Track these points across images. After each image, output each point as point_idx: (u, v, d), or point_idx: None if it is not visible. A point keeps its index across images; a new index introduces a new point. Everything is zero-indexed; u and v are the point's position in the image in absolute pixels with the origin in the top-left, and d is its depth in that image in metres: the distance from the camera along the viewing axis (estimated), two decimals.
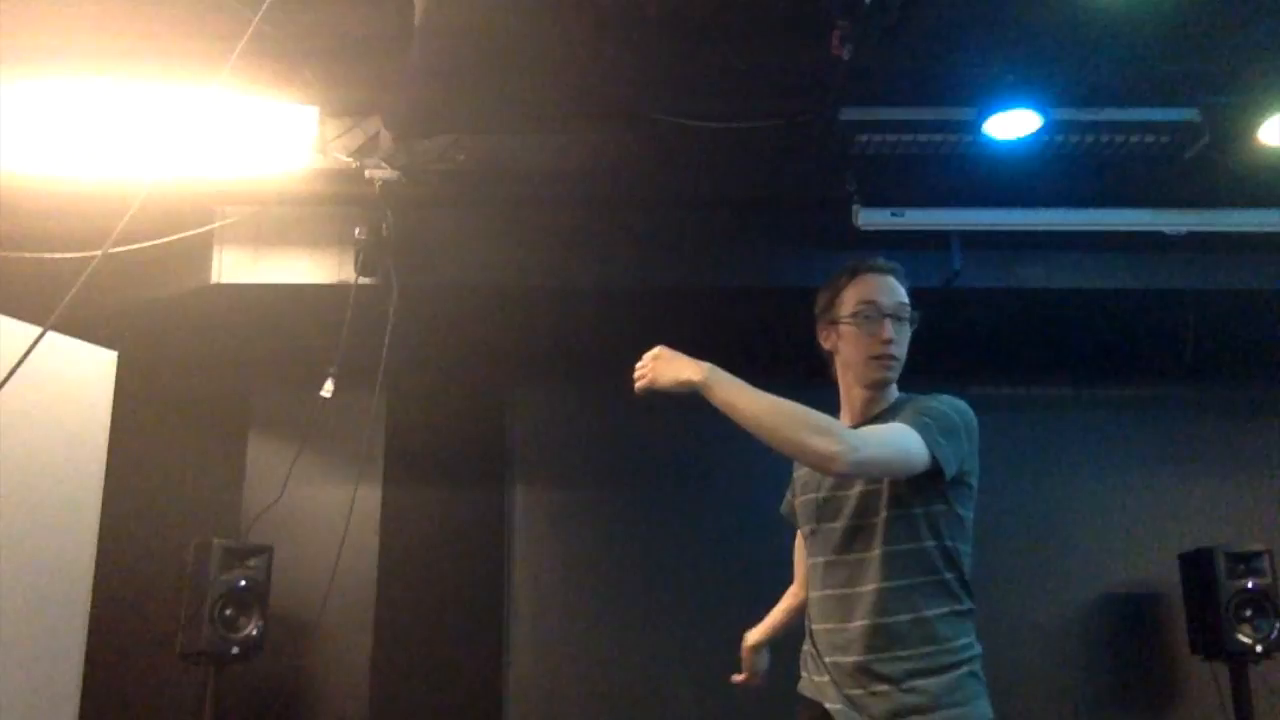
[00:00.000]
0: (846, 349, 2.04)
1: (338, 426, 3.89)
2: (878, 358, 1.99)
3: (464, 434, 4.26)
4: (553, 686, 4.09)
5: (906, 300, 2.03)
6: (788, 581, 2.38)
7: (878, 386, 2.02)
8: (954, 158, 3.25)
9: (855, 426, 1.96)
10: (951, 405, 2.00)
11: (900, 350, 2.01)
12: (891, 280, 2.04)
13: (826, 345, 2.09)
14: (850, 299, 2.03)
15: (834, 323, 2.06)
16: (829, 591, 1.97)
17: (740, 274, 3.62)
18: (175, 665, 3.60)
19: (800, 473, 2.13)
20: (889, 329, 1.99)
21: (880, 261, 2.06)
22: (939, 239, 3.54)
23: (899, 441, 1.83)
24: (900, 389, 2.07)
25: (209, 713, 3.49)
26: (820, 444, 1.73)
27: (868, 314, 2.00)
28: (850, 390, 2.06)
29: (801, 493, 2.09)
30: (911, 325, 2.05)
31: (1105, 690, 4.15)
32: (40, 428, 3.06)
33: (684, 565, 4.17)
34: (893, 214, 3.35)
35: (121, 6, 2.73)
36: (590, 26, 2.77)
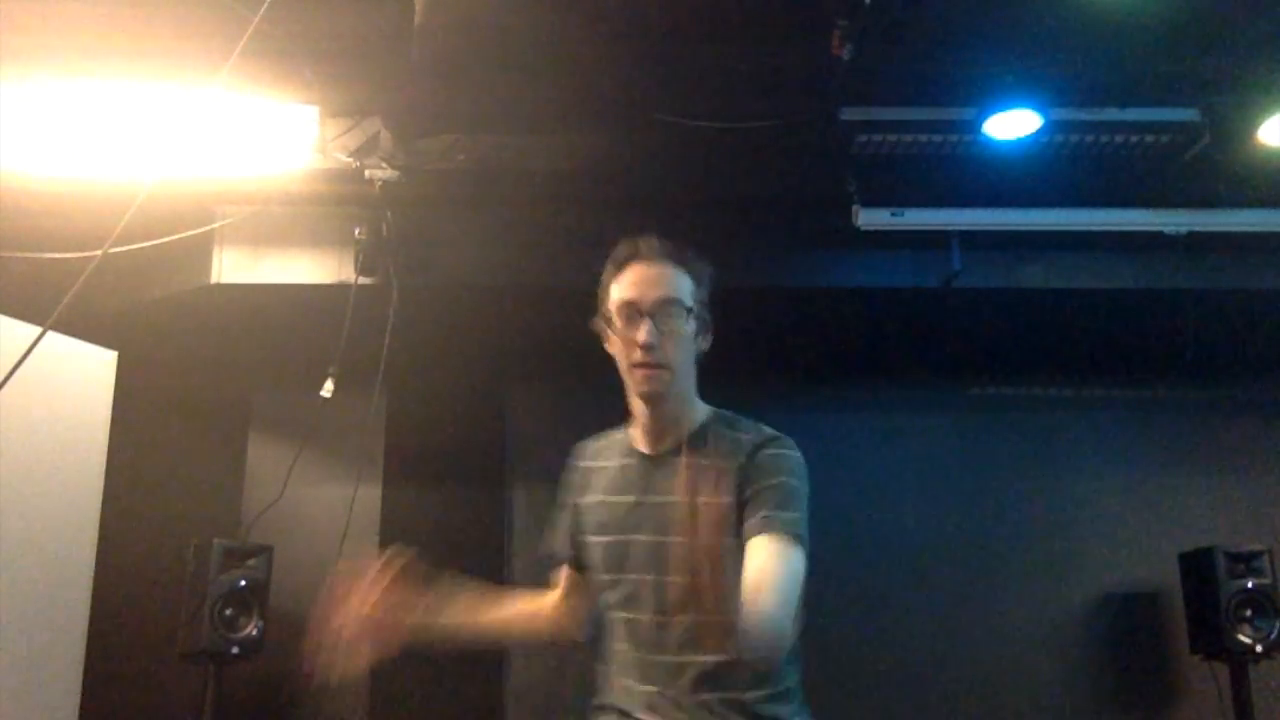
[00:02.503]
0: (616, 356, 1.72)
1: (338, 426, 3.89)
2: (639, 367, 1.66)
3: (464, 434, 4.25)
4: (553, 686, 4.09)
5: (679, 295, 1.68)
6: None
7: (648, 401, 1.69)
8: (954, 158, 3.25)
9: (654, 454, 1.72)
10: (799, 467, 1.68)
11: (668, 356, 1.66)
12: (659, 269, 1.69)
13: (609, 350, 1.75)
14: (613, 295, 1.71)
15: (607, 323, 1.72)
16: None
17: (740, 274, 3.62)
18: (175, 665, 3.60)
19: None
20: (648, 332, 1.64)
21: (645, 244, 1.72)
22: (939, 239, 3.55)
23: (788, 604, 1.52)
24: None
25: (209, 713, 3.49)
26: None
27: (627, 314, 1.67)
28: (632, 401, 1.75)
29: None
30: (694, 323, 1.70)
31: (1105, 690, 4.15)
32: (40, 428, 3.06)
33: None
34: (893, 214, 3.35)
35: (121, 6, 2.73)
36: (590, 26, 2.77)
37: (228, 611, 3.53)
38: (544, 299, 3.72)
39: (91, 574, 3.16)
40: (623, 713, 1.70)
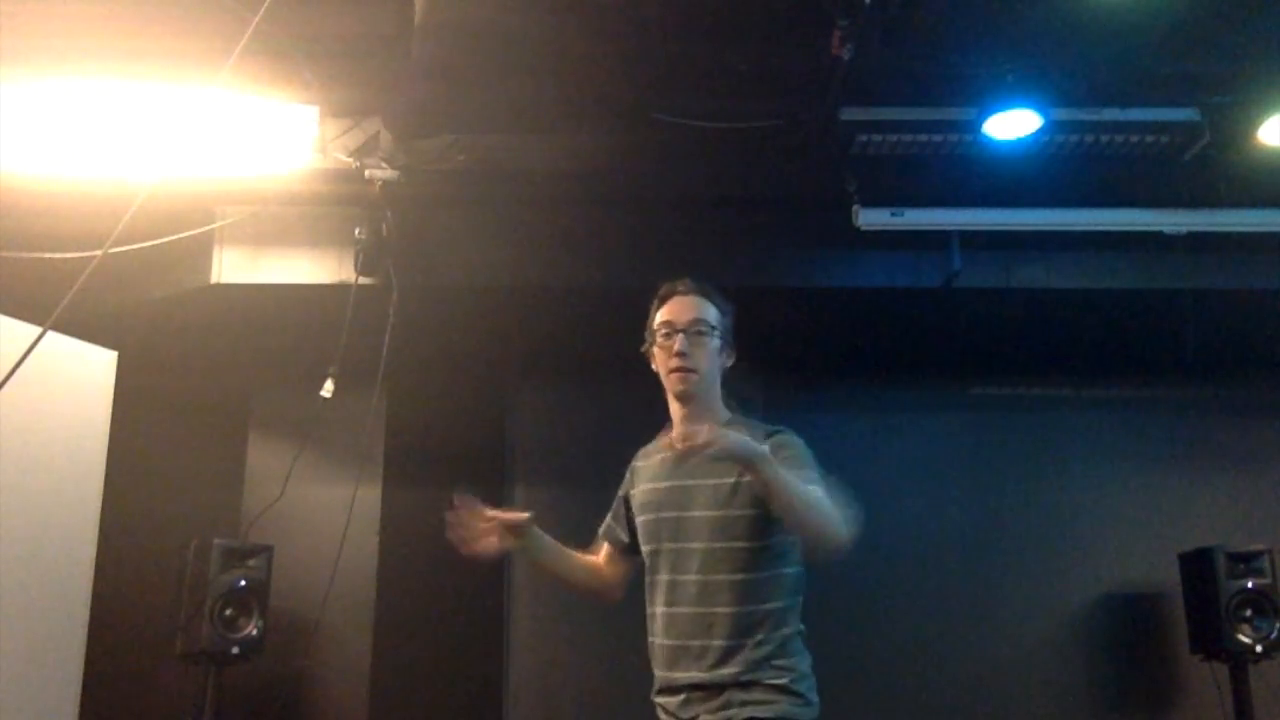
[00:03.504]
0: (658, 367, 2.19)
1: (338, 426, 3.89)
2: (674, 371, 2.12)
3: (464, 434, 4.25)
4: (553, 686, 4.09)
5: (706, 317, 2.16)
6: None
7: (682, 399, 2.14)
8: (954, 158, 3.25)
9: (683, 447, 1.99)
10: (804, 445, 2.11)
11: (697, 363, 2.13)
12: (691, 299, 2.18)
13: (654, 368, 2.22)
14: (656, 320, 2.20)
15: (651, 344, 2.21)
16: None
17: (740, 274, 3.62)
18: (175, 665, 3.60)
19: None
20: (681, 343, 2.11)
21: (681, 284, 2.21)
22: (939, 239, 3.55)
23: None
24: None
25: (209, 713, 3.49)
26: (837, 532, 1.91)
27: (665, 332, 2.16)
28: (671, 405, 2.19)
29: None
30: (719, 340, 2.17)
31: (1105, 690, 4.15)
32: (40, 428, 3.06)
33: None
34: (893, 214, 3.35)
35: (121, 6, 2.73)
36: (590, 26, 2.77)
37: (228, 611, 3.54)
38: (544, 299, 3.72)
39: (91, 574, 3.15)
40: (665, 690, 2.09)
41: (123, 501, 3.42)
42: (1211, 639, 3.78)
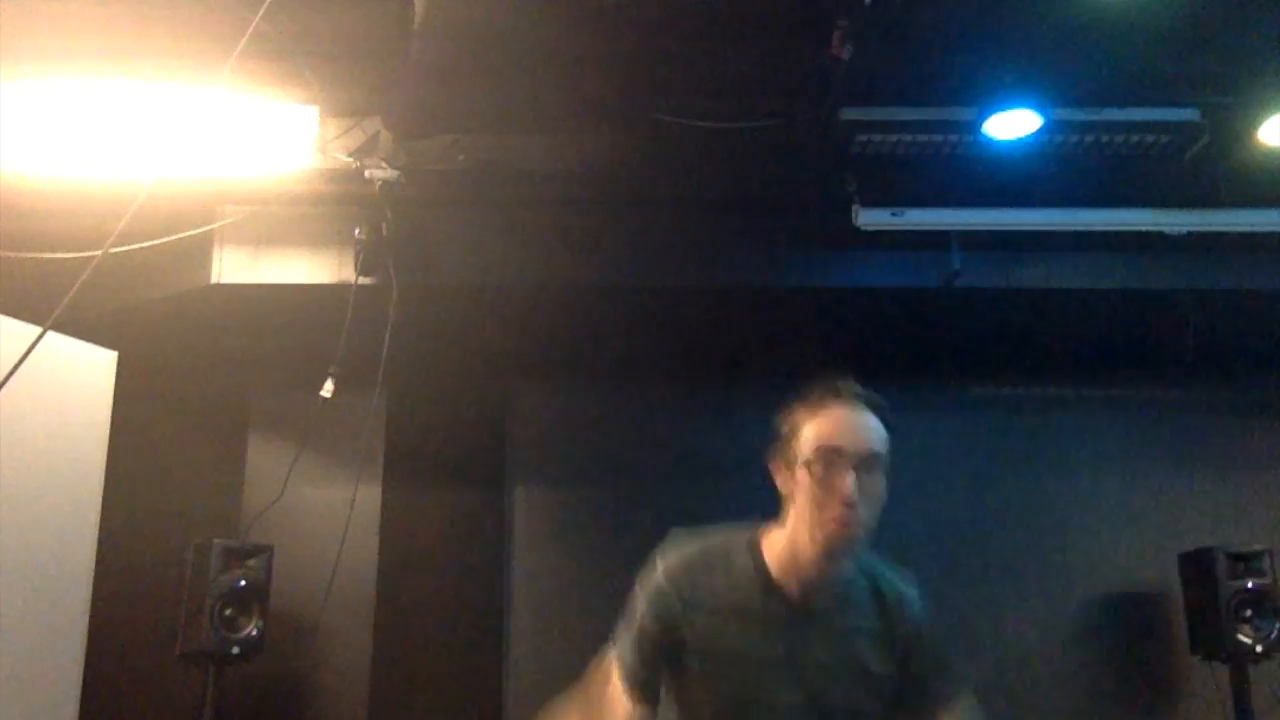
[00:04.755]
0: (800, 498, 1.64)
1: (338, 426, 3.89)
2: (834, 519, 1.59)
3: (464, 434, 4.25)
4: (553, 687, 4.08)
5: (883, 449, 1.63)
6: None
7: (831, 558, 1.63)
8: (954, 158, 3.25)
9: (806, 606, 1.67)
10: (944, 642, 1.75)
11: (866, 515, 1.61)
12: (864, 418, 1.65)
13: (780, 487, 1.71)
14: (809, 437, 1.64)
15: (789, 464, 1.67)
16: None
17: (740, 274, 3.62)
18: (175, 665, 3.60)
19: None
20: (851, 485, 1.58)
21: (846, 389, 1.67)
22: (939, 239, 3.54)
23: None
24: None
25: (209, 713, 3.49)
26: None
27: (829, 460, 1.61)
28: (797, 545, 1.66)
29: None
30: (886, 479, 1.64)
31: (1105, 690, 4.15)
32: (40, 428, 3.06)
33: None
34: (893, 214, 3.35)
35: (121, 6, 2.73)
36: (590, 26, 2.77)
37: (228, 611, 3.53)
38: (544, 299, 3.72)
39: (91, 574, 3.15)
40: None
41: (123, 501, 3.42)
42: (1211, 639, 3.78)
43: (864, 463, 1.60)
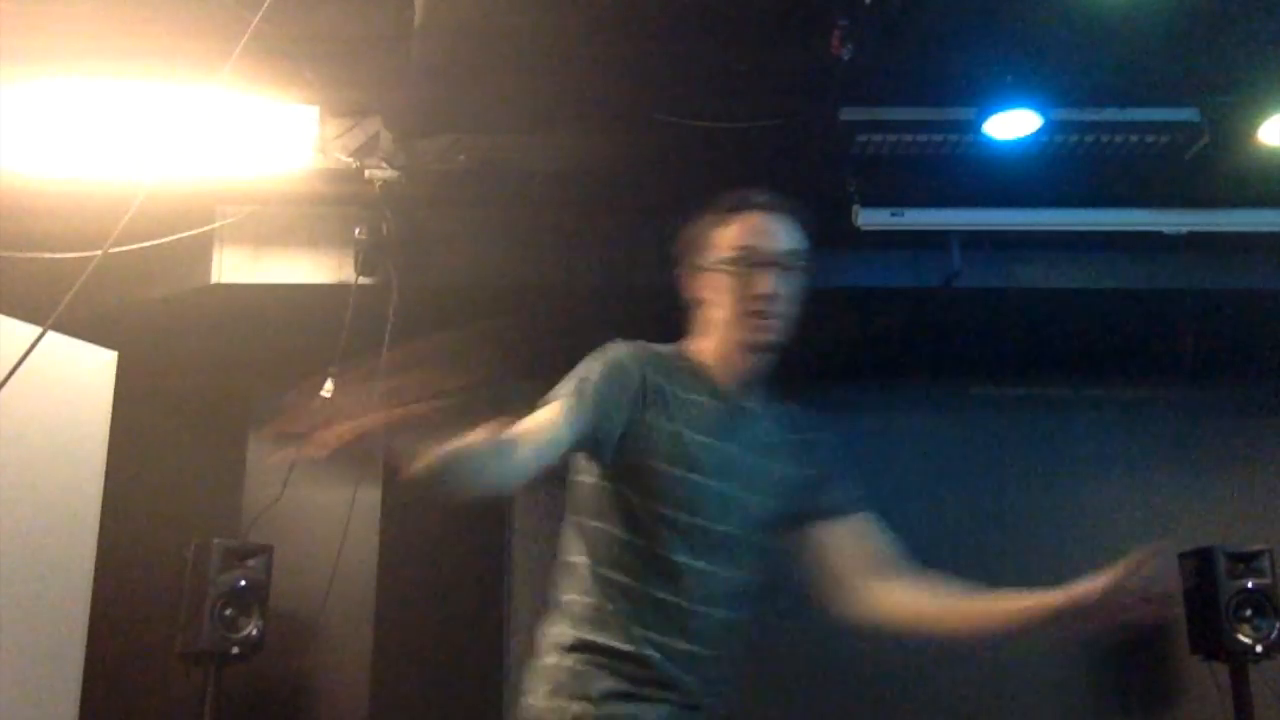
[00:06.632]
0: (720, 298, 1.71)
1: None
2: (753, 314, 1.67)
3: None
4: None
5: (799, 246, 1.72)
6: None
7: (754, 350, 1.70)
8: (954, 158, 3.25)
9: (740, 400, 1.72)
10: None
11: (784, 308, 1.69)
12: (780, 221, 1.73)
13: (691, 294, 1.77)
14: (725, 241, 1.71)
15: (701, 269, 1.74)
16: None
17: None
18: (175, 665, 3.60)
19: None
20: (771, 282, 1.66)
21: (759, 196, 1.75)
22: (939, 239, 3.54)
23: None
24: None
25: (209, 713, 3.49)
26: None
27: (744, 261, 1.67)
28: (721, 344, 1.72)
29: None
30: (805, 276, 1.72)
31: (1105, 690, 4.15)
32: (40, 428, 3.06)
33: None
34: (893, 214, 3.35)
35: (121, 6, 2.73)
36: (590, 26, 2.77)
37: (228, 611, 3.53)
38: (544, 299, 3.72)
39: (91, 574, 3.16)
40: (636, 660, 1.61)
41: (123, 501, 3.42)
42: (1211, 639, 3.78)
43: (780, 261, 1.68)
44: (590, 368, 1.68)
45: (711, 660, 1.66)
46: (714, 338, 1.73)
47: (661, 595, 1.62)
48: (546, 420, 1.61)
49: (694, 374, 1.73)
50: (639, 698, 1.59)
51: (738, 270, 1.68)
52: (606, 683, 1.59)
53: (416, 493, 1.42)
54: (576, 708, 1.58)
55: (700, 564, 1.63)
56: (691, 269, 1.77)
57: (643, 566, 1.63)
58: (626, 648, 1.60)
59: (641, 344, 1.74)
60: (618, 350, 1.71)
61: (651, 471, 1.64)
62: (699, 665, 1.63)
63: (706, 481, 1.65)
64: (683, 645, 1.62)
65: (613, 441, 1.62)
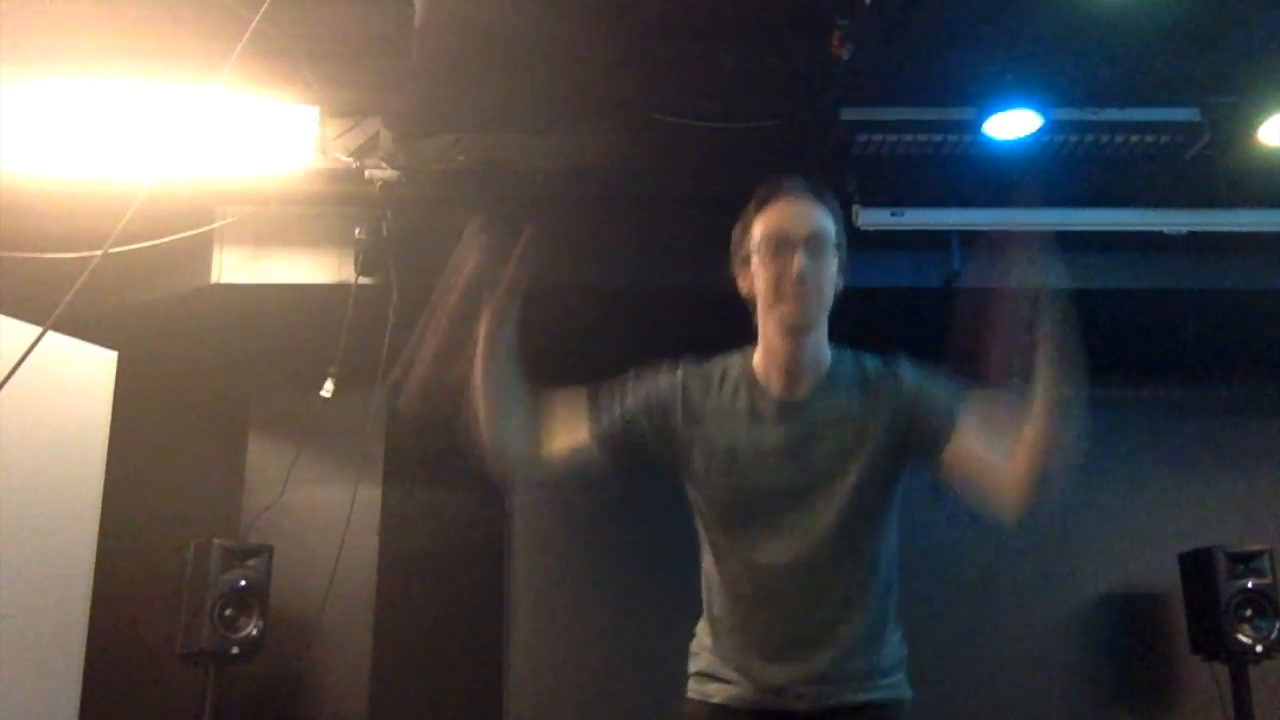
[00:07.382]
0: (758, 290, 1.76)
1: (338, 426, 3.89)
2: (790, 294, 1.70)
3: (464, 434, 4.25)
4: (553, 686, 4.09)
5: (826, 229, 1.74)
6: None
7: (794, 333, 1.72)
8: (954, 158, 3.25)
9: (791, 399, 1.75)
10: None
11: (819, 288, 1.72)
12: (805, 206, 1.75)
13: (743, 290, 1.82)
14: (756, 232, 1.77)
15: (745, 262, 1.79)
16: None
17: None
18: (175, 665, 3.60)
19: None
20: (800, 262, 1.68)
21: (788, 183, 1.78)
22: (939, 239, 3.54)
23: None
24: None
25: (209, 713, 3.49)
26: None
27: (774, 247, 1.72)
28: (768, 338, 1.77)
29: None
30: (837, 260, 1.76)
31: (1105, 690, 4.15)
32: (40, 428, 3.06)
33: (685, 565, 4.16)
34: (893, 214, 3.35)
35: (121, 6, 2.73)
36: (590, 26, 2.77)
37: (228, 611, 3.53)
38: (542, 299, 3.71)
39: (91, 574, 3.16)
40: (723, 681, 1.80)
41: (123, 501, 3.42)
42: (1211, 639, 3.78)
43: (808, 243, 1.71)
44: (624, 387, 1.85)
45: (804, 642, 1.76)
46: (762, 330, 1.79)
47: (740, 591, 1.79)
48: (577, 427, 1.86)
49: (736, 381, 1.80)
50: (723, 680, 1.81)
51: (766, 257, 1.73)
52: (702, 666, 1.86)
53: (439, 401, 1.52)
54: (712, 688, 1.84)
55: (770, 559, 1.74)
56: (738, 267, 1.82)
57: (718, 566, 1.82)
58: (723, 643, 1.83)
59: (683, 364, 1.85)
60: (654, 372, 1.84)
61: (704, 483, 1.80)
62: (788, 649, 1.76)
63: (758, 484, 1.74)
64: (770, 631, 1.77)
65: (660, 458, 1.82)
